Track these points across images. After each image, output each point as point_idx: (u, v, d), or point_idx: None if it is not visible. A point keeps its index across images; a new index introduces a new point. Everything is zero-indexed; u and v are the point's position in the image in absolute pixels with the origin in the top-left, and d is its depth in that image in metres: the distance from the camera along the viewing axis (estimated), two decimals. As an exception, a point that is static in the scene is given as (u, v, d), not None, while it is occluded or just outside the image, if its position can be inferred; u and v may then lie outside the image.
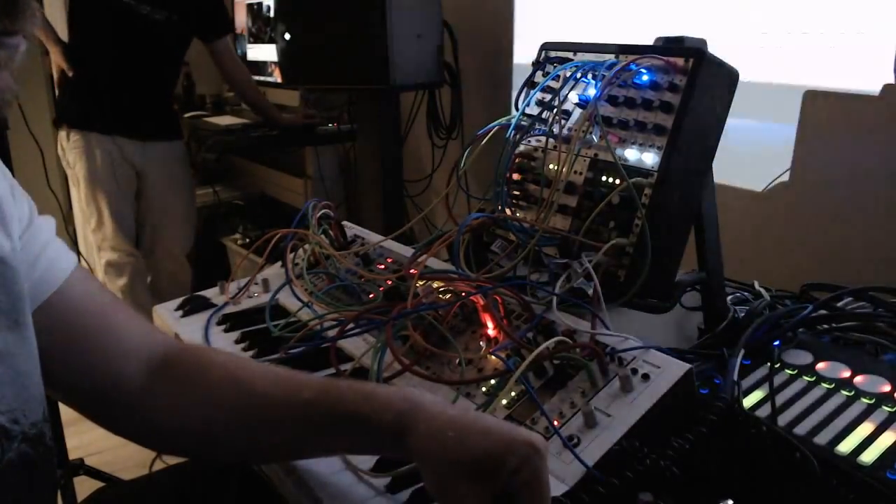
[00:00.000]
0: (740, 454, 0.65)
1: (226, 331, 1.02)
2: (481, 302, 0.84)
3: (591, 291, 0.82)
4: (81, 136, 2.44)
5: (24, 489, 0.62)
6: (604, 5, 1.94)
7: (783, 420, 0.73)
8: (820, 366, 0.81)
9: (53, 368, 0.66)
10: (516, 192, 1.01)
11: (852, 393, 0.75)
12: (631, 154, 0.89)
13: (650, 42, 0.94)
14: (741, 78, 0.89)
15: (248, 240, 3.08)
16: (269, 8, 3.05)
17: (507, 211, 0.99)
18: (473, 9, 2.40)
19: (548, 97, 1.01)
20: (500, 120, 1.04)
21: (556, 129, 0.97)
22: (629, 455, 0.63)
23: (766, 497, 0.62)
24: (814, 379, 0.79)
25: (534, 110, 1.01)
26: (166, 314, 1.09)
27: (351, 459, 0.70)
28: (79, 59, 2.42)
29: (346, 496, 0.67)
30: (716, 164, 0.91)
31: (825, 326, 0.92)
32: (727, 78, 0.88)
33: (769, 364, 0.80)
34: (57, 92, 2.71)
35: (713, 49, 0.87)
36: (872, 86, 1.33)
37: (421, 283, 0.91)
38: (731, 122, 0.89)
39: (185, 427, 0.71)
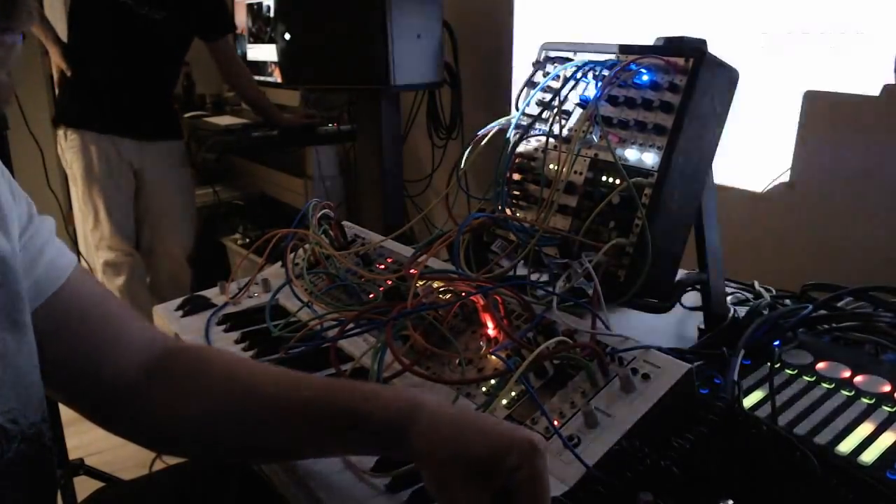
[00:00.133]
0: (740, 454, 0.65)
1: (226, 331, 1.02)
2: (481, 302, 0.84)
3: (591, 291, 0.82)
4: (78, 136, 2.44)
5: (24, 489, 0.62)
6: (604, 5, 1.94)
7: (783, 420, 0.73)
8: (820, 366, 0.81)
9: (53, 368, 0.66)
10: (516, 192, 1.01)
11: (852, 393, 0.75)
12: (631, 154, 0.89)
13: (650, 42, 0.94)
14: (741, 78, 0.89)
15: (248, 240, 3.08)
16: (269, 8, 3.05)
17: (507, 211, 0.99)
18: (473, 9, 2.40)
19: (548, 97, 1.01)
20: (500, 120, 1.04)
21: (556, 129, 0.97)
22: (629, 455, 0.63)
23: (766, 497, 0.62)
24: (814, 379, 0.79)
25: (534, 110, 1.01)
26: (166, 314, 1.09)
27: (351, 459, 0.70)
28: (78, 58, 2.42)
29: (346, 496, 0.67)
30: (716, 164, 0.91)
31: (825, 326, 0.92)
32: (727, 78, 0.88)
33: (769, 364, 0.80)
34: (57, 92, 2.71)
35: (713, 49, 0.87)
36: (872, 86, 1.33)
37: (421, 283, 0.91)
38: (731, 122, 0.89)
39: (184, 427, 0.71)
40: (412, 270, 0.94)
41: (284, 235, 1.14)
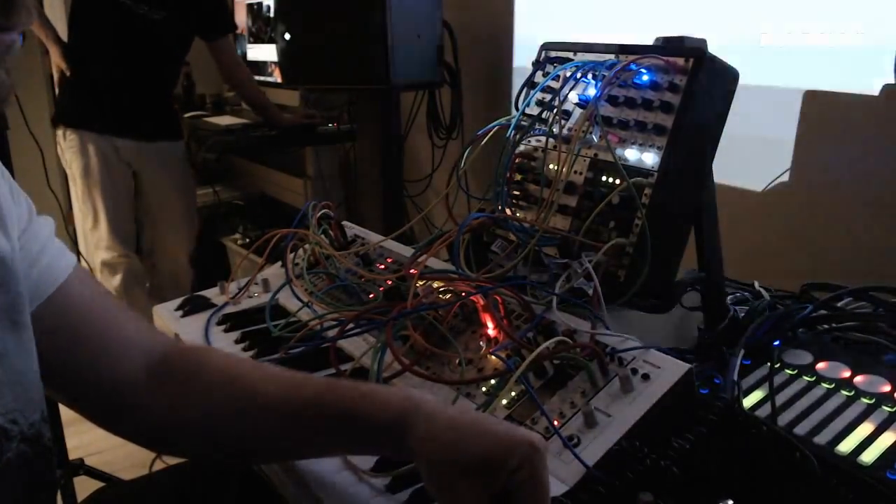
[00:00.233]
0: (740, 454, 0.65)
1: (226, 331, 1.02)
2: (481, 302, 0.84)
3: (591, 291, 0.82)
4: (77, 136, 2.44)
5: (24, 489, 0.62)
6: (604, 5, 1.94)
7: (783, 420, 0.73)
8: (820, 366, 0.81)
9: (52, 369, 0.66)
10: (516, 192, 1.01)
11: (852, 393, 0.75)
12: (631, 154, 0.89)
13: (650, 42, 0.94)
14: (741, 78, 0.89)
15: (248, 240, 3.08)
16: (269, 8, 3.05)
17: (508, 211, 0.99)
18: (473, 9, 2.40)
19: (548, 97, 1.01)
20: (500, 120, 1.04)
21: (556, 129, 0.97)
22: (629, 455, 0.63)
23: (766, 497, 0.62)
24: (814, 379, 0.79)
25: (534, 110, 1.01)
26: (166, 314, 1.09)
27: (351, 459, 0.70)
28: (78, 58, 2.42)
29: (346, 496, 0.67)
30: (716, 164, 0.91)
31: (825, 326, 0.92)
32: (727, 78, 0.88)
33: (769, 364, 0.80)
34: (56, 91, 2.71)
35: (713, 49, 0.87)
36: (872, 86, 1.33)
37: (421, 283, 0.91)
38: (731, 122, 0.89)
39: (184, 427, 0.71)
40: (412, 270, 0.94)
41: (284, 235, 1.14)
